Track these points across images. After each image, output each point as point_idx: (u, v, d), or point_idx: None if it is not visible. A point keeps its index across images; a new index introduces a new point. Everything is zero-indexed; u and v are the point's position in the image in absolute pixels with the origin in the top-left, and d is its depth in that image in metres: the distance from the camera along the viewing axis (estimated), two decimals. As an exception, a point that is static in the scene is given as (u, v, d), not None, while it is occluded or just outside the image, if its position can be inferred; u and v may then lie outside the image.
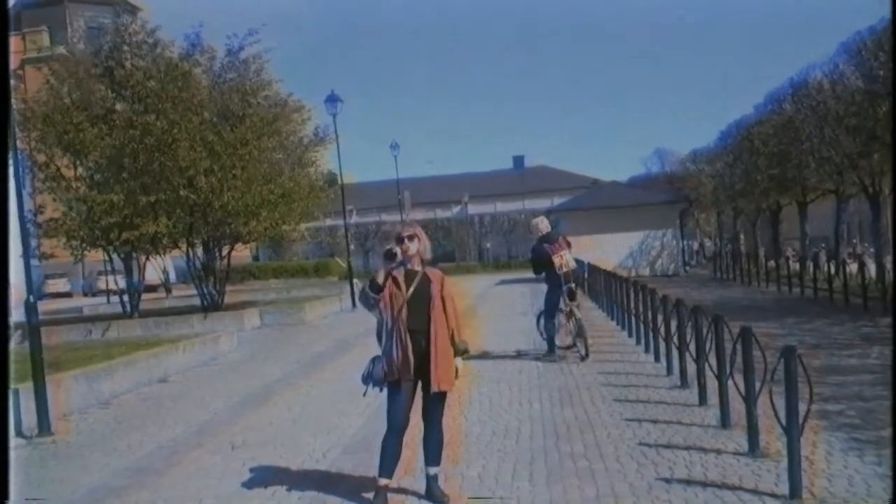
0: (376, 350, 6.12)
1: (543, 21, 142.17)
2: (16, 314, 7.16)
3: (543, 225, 13.01)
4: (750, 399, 6.79)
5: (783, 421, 5.87)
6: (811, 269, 21.92)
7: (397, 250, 5.92)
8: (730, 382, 7.59)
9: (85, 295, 49.74)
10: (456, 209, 72.47)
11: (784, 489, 5.79)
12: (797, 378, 5.73)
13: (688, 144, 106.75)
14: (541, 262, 12.86)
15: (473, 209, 71.83)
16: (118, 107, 22.02)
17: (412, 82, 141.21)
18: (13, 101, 15.38)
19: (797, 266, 24.76)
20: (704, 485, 6.13)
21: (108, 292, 34.92)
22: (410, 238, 6.03)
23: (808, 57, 57.22)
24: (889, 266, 21.24)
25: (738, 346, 7.07)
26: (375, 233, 66.27)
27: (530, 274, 14.18)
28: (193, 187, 21.29)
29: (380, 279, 5.90)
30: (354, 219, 59.37)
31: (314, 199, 26.03)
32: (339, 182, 31.24)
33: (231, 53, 22.99)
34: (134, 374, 12.87)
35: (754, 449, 6.83)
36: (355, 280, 29.82)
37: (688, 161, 54.31)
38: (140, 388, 12.63)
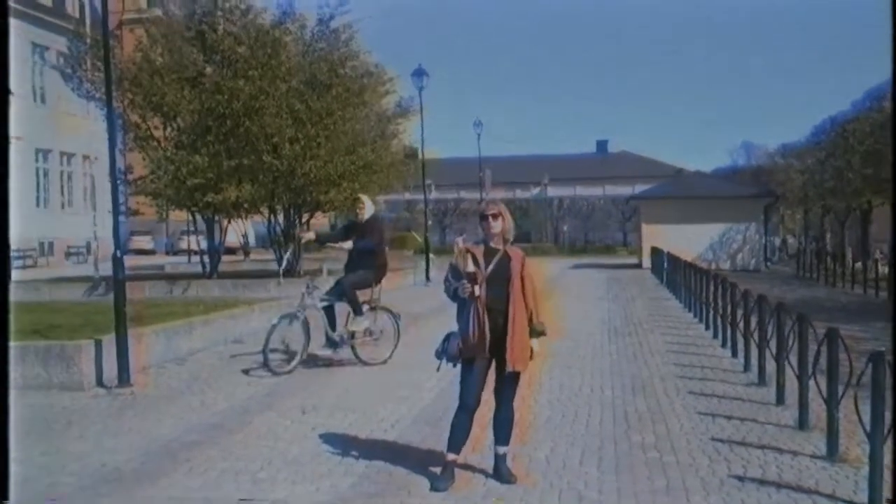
0: (450, 325, 6.10)
1: (636, 8, 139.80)
2: (102, 268, 7.38)
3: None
4: (832, 401, 6.58)
5: (867, 427, 5.68)
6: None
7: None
8: (810, 384, 7.38)
9: (167, 253, 50.95)
10: (535, 190, 72.03)
11: (863, 497, 5.61)
12: (885, 384, 5.53)
13: (776, 138, 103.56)
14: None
15: (553, 191, 71.31)
16: (208, 70, 22.36)
17: (499, 60, 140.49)
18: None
19: (886, 269, 23.92)
20: (779, 486, 5.97)
21: (189, 252, 35.72)
22: (495, 217, 5.97)
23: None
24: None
25: (823, 348, 6.86)
26: (454, 209, 66.32)
27: (607, 259, 13.89)
28: (277, 154, 21.55)
29: (465, 290, 5.84)
30: (433, 194, 59.46)
31: (395, 171, 26.11)
32: (421, 157, 31.25)
33: (322, 22, 23.12)
34: (210, 333, 13.13)
35: (833, 453, 6.62)
36: (431, 255, 29.94)
37: (776, 155, 53.05)
38: (216, 347, 12.89)
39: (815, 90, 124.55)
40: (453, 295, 5.95)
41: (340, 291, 10.97)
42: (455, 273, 5.93)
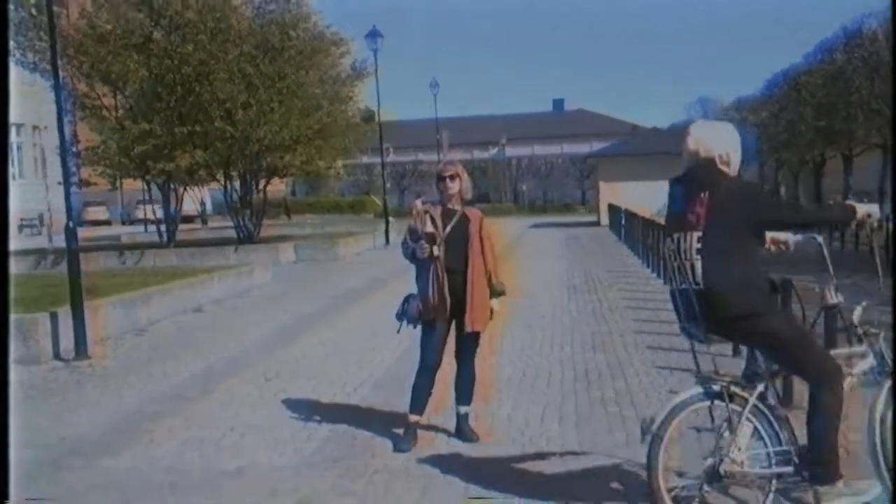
0: (410, 287, 6.11)
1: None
2: (56, 240, 7.24)
3: None
4: (786, 352, 6.69)
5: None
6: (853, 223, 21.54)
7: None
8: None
9: (123, 223, 50.27)
10: (493, 150, 71.99)
11: (817, 443, 5.73)
12: (836, 332, 5.64)
13: (732, 92, 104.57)
14: None
15: (511, 151, 71.31)
16: (156, 36, 21.89)
17: (454, 20, 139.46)
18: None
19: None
20: (736, 435, 6.08)
21: (145, 221, 35.30)
22: (452, 177, 5.95)
23: (863, 5, 55.61)
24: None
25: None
26: (412, 171, 66.13)
27: (566, 218, 13.95)
28: (231, 119, 21.29)
29: (423, 251, 5.83)
30: (391, 157, 59.19)
31: (351, 135, 25.92)
32: (377, 119, 31.04)
33: None
34: (170, 303, 13.02)
35: (788, 402, 6.75)
36: (390, 218, 29.90)
37: (731, 110, 53.47)
38: (175, 317, 12.79)
39: (769, 43, 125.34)
40: (411, 256, 5.95)
41: None
42: (413, 234, 5.93)
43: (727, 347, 8.82)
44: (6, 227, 3.91)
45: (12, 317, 9.64)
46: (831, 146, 33.50)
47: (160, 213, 25.28)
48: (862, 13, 27.58)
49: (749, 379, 4.36)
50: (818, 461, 4.13)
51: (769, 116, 39.50)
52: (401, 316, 6.05)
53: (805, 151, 36.65)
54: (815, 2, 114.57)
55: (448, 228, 5.90)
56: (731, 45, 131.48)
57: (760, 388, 4.26)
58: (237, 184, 24.69)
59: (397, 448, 5.96)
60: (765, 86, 41.90)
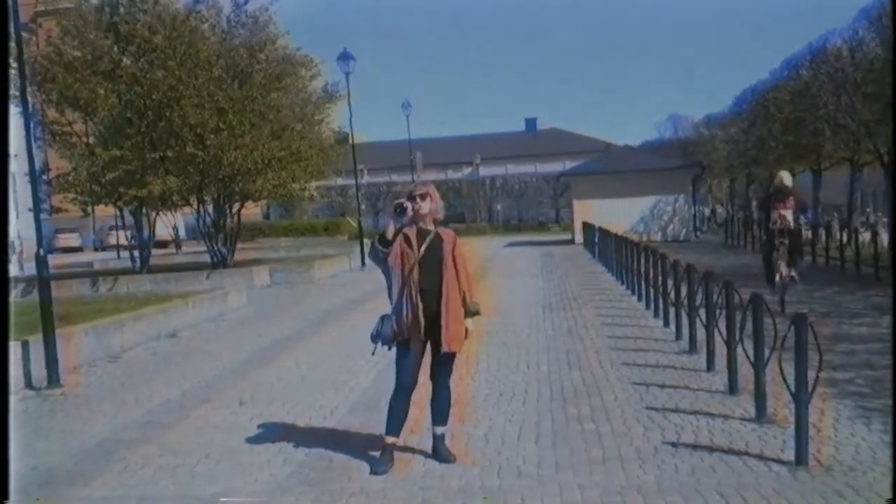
0: (385, 309, 6.10)
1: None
2: (26, 268, 7.16)
3: None
4: (759, 365, 6.76)
5: (792, 388, 5.85)
6: (823, 237, 21.81)
7: (407, 205, 5.88)
8: (738, 349, 7.57)
9: (95, 249, 49.90)
10: (467, 170, 72.15)
11: (790, 455, 5.79)
12: (808, 345, 5.70)
13: (702, 110, 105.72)
14: None
15: (485, 171, 71.51)
16: (124, 62, 21.78)
17: (426, 42, 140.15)
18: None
19: (809, 234, 24.61)
20: (710, 449, 6.12)
21: (118, 247, 35.06)
22: (423, 197, 5.97)
23: (828, 22, 56.45)
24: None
25: (748, 313, 7.04)
26: (386, 193, 66.13)
27: (540, 236, 13.98)
28: (202, 144, 21.20)
29: (389, 234, 5.88)
30: (365, 178, 59.19)
31: (324, 157, 25.88)
32: (350, 141, 31.06)
33: (238, 7, 22.73)
34: (143, 329, 12.92)
35: (761, 415, 6.81)
36: (365, 240, 29.85)
37: (701, 126, 54.02)
38: (149, 343, 12.69)
39: (737, 60, 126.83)
40: (381, 261, 5.95)
41: None
42: (382, 240, 5.94)
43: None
44: (5, 252, 3.89)
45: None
46: (800, 161, 33.93)
47: (133, 239, 25.11)
48: (827, 30, 28.05)
49: None
50: None
51: (738, 132, 39.96)
52: (375, 337, 6.05)
53: (775, 167, 37.04)
54: (781, 17, 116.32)
55: (422, 249, 5.91)
56: (700, 63, 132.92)
57: None
58: (210, 208, 24.58)
59: (374, 470, 5.94)
60: (733, 102, 42.44)
